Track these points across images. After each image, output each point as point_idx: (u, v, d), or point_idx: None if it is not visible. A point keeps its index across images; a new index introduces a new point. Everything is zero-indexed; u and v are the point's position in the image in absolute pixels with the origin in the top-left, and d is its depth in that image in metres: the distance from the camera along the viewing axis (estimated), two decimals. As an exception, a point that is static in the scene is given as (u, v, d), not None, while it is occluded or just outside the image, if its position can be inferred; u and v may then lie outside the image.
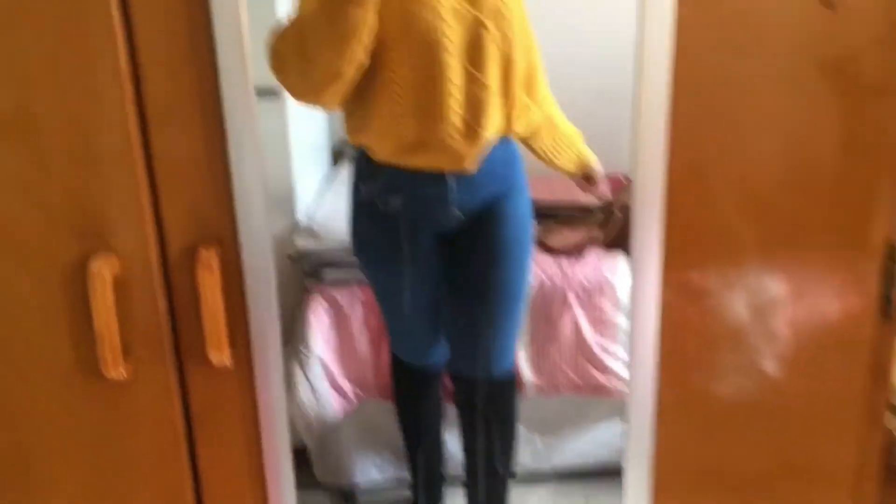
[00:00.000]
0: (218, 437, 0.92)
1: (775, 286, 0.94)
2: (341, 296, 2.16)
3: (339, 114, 2.80)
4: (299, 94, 1.56)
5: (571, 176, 1.89)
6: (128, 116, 0.82)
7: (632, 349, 0.92)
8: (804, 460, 0.97)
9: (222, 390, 0.89)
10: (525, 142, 1.80)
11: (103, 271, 0.82)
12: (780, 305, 0.94)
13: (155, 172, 0.84)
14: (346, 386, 2.20)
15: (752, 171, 0.89)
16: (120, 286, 0.85)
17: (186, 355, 0.88)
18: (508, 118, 1.61)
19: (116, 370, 0.85)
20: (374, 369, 2.20)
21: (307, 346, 2.14)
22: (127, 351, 0.86)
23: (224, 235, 0.85)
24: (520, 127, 1.68)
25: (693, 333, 0.94)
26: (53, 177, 0.82)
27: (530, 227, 1.80)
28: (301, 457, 2.28)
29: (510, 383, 1.94)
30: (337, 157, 2.85)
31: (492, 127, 1.58)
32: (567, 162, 1.86)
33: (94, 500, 0.93)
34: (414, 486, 2.20)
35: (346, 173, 2.65)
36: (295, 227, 2.28)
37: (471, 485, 2.04)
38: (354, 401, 2.22)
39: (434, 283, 1.81)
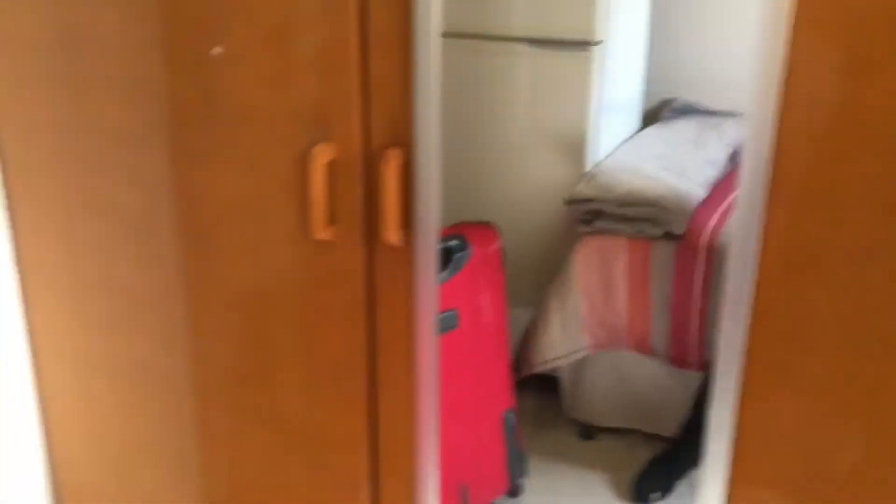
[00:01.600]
0: (390, 299, 1.17)
1: None
2: (608, 246, 2.29)
3: (659, 74, 2.87)
4: None
5: None
6: (351, 41, 1.08)
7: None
8: None
9: (395, 264, 1.14)
10: None
11: (320, 155, 1.11)
12: None
13: (368, 86, 1.09)
14: (600, 331, 2.34)
15: None
16: (333, 170, 1.13)
17: (374, 231, 1.14)
18: None
19: (321, 232, 1.14)
20: (629, 321, 2.31)
21: (569, 285, 2.32)
22: (332, 220, 1.15)
23: (407, 141, 1.08)
24: None
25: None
26: (298, 80, 1.12)
27: None
28: (554, 387, 2.49)
29: None
30: (650, 118, 2.93)
31: None
32: None
33: (302, 333, 1.25)
34: (670, 466, 2.26)
35: (650, 133, 2.73)
36: (581, 176, 2.45)
37: None
38: (605, 345, 2.35)
39: None
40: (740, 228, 0.92)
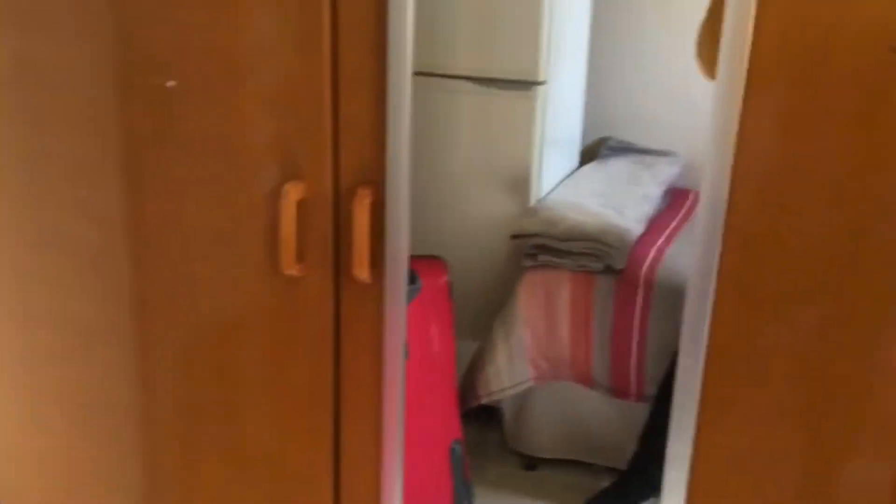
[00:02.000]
0: (357, 334, 1.19)
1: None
2: (552, 279, 2.35)
3: (596, 113, 2.99)
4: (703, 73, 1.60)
5: None
6: (325, 83, 1.11)
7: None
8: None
9: (363, 299, 1.16)
10: None
11: (291, 193, 1.13)
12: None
13: (339, 127, 1.12)
14: (543, 363, 2.39)
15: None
16: (303, 207, 1.15)
17: (342, 268, 1.17)
18: None
19: (291, 268, 1.16)
20: (572, 353, 2.37)
21: (513, 318, 2.37)
22: (301, 256, 1.17)
23: (377, 180, 1.11)
24: None
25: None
26: (270, 121, 1.14)
27: None
28: (497, 418, 2.53)
29: None
30: (587, 155, 3.03)
31: None
32: None
33: (268, 366, 1.26)
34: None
35: (589, 170, 2.82)
36: (525, 211, 2.51)
37: None
38: (548, 377, 2.41)
39: None
40: (698, 270, 0.98)
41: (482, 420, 2.51)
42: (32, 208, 1.32)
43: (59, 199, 1.32)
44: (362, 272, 1.14)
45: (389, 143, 1.09)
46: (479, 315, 2.54)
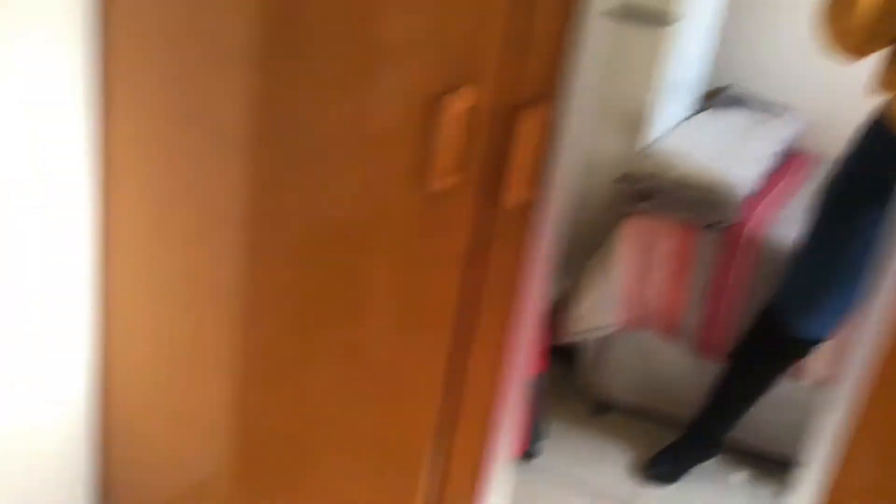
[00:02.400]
0: (502, 257, 1.15)
1: None
2: (651, 226, 2.28)
3: (722, 59, 2.81)
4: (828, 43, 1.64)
5: None
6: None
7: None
8: None
9: (515, 223, 1.12)
10: None
11: (459, 101, 1.07)
12: None
13: (518, 37, 1.06)
14: (634, 310, 2.34)
15: None
16: (468, 117, 1.09)
17: (495, 187, 1.12)
18: None
19: (442, 180, 1.11)
20: (664, 304, 2.32)
21: (610, 262, 2.32)
22: (455, 168, 1.12)
23: (551, 99, 1.05)
24: None
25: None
26: (441, 16, 1.08)
27: None
28: (572, 358, 2.51)
29: None
30: (707, 99, 2.88)
31: None
32: None
33: (398, 276, 1.23)
34: (696, 437, 2.31)
35: (704, 119, 2.70)
36: (636, 154, 2.42)
37: None
38: (635, 325, 2.37)
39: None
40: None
41: (557, 358, 2.49)
42: (180, 85, 1.29)
43: (204, 78, 1.28)
44: (522, 194, 1.08)
45: (570, 63, 1.03)
46: (572, 253, 2.49)
